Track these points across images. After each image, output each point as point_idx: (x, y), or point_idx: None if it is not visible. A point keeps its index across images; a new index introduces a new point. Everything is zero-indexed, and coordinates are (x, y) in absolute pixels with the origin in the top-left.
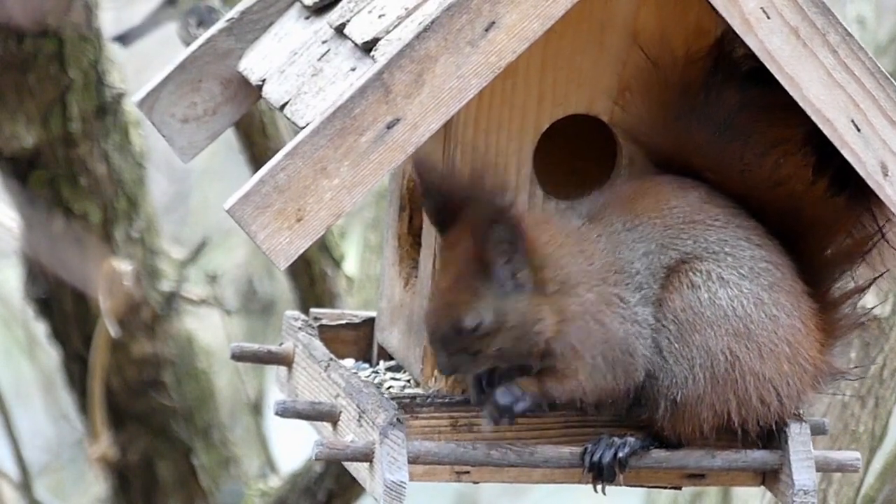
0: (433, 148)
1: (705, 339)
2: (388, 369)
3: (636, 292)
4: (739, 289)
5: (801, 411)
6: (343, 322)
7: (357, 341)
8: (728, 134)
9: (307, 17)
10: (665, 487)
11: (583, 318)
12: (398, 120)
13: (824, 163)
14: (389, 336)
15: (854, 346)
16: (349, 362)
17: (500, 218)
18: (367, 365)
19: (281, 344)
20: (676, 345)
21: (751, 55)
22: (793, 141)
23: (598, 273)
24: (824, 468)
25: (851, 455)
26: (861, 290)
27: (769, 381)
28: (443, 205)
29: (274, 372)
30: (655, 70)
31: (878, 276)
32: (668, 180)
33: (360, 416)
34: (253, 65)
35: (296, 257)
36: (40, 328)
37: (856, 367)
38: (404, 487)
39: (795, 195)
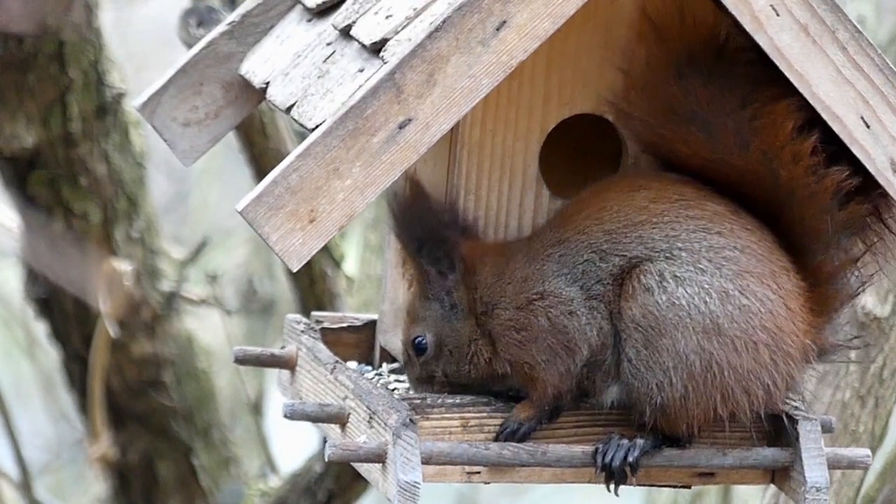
0: (439, 152)
1: (673, 343)
2: (392, 371)
3: (559, 279)
4: (699, 285)
5: (801, 393)
6: (344, 325)
7: (359, 344)
8: (718, 82)
9: (309, 20)
10: (675, 486)
11: (504, 336)
12: (410, 120)
13: (808, 130)
14: (393, 338)
15: (854, 344)
16: (352, 365)
17: (436, 238)
18: (369, 367)
19: (283, 347)
20: (645, 351)
21: (754, 50)
22: (776, 90)
23: (513, 290)
24: (835, 465)
25: (861, 452)
26: (854, 261)
27: (750, 371)
28: (414, 229)
29: (274, 372)
30: (663, 39)
31: (870, 247)
32: (619, 182)
33: (370, 418)
34: (255, 68)
35: (309, 258)
36: (40, 328)
37: (853, 338)
38: (418, 487)
39: (770, 155)
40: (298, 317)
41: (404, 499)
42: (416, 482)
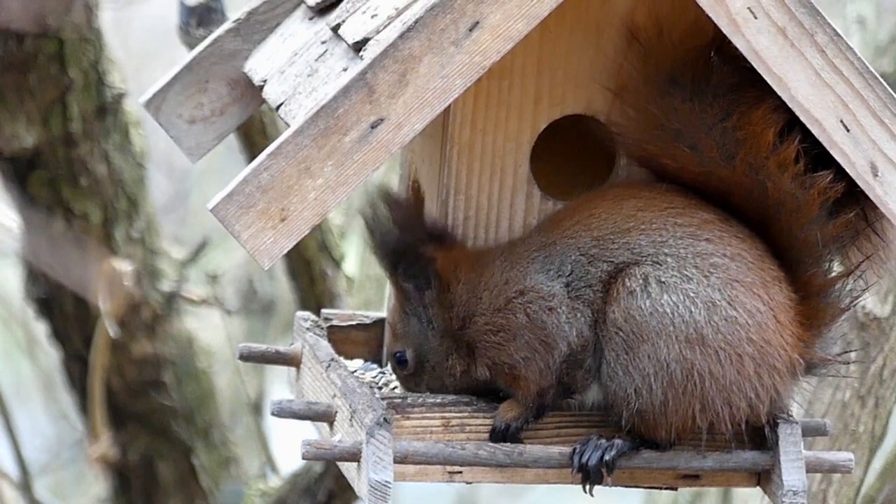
0: (432, 152)
1: (655, 350)
2: None
3: (541, 274)
4: (685, 293)
5: (787, 407)
6: (353, 323)
7: (367, 342)
8: (698, 96)
9: (311, 18)
10: (660, 488)
11: (482, 341)
12: (382, 120)
13: (790, 131)
14: None
15: (853, 344)
16: (358, 363)
17: (412, 254)
18: (375, 366)
19: (291, 344)
20: (625, 355)
21: (733, 60)
22: (755, 94)
23: (489, 295)
24: (816, 469)
25: (844, 456)
26: (846, 276)
27: (732, 383)
28: (389, 245)
29: (274, 372)
30: (646, 57)
31: (863, 261)
32: (609, 192)
33: (351, 416)
34: (257, 65)
35: (280, 257)
36: (40, 328)
37: (843, 352)
38: (389, 487)
39: (756, 166)
40: (307, 314)
41: (375, 498)
42: (387, 481)
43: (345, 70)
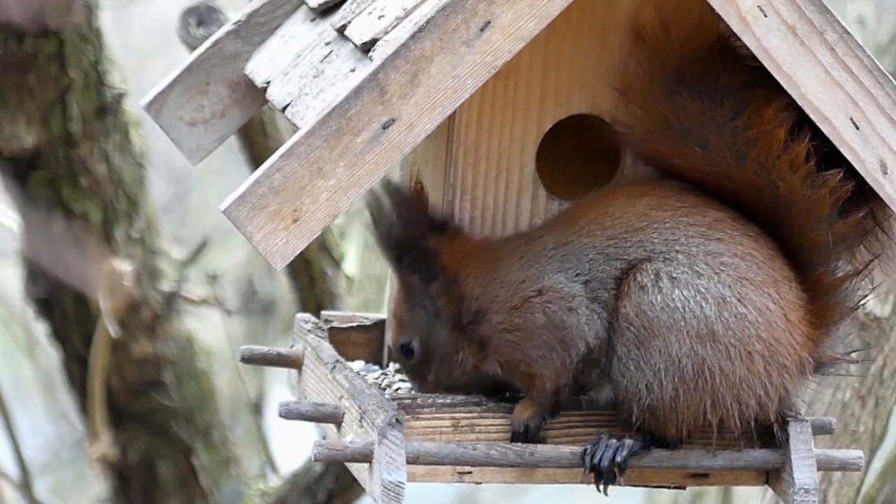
0: (437, 153)
1: (667, 345)
2: (398, 371)
3: (560, 274)
4: (696, 289)
5: (795, 406)
6: (354, 324)
7: (368, 343)
8: (708, 96)
9: (313, 20)
10: (669, 487)
11: (496, 339)
12: (394, 120)
13: (800, 129)
14: None
15: (854, 344)
16: (359, 364)
17: (416, 247)
18: (377, 367)
19: (292, 346)
20: (636, 351)
21: (751, 54)
22: (765, 92)
23: (506, 293)
24: (826, 467)
25: (854, 454)
26: (855, 275)
27: (743, 380)
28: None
29: (274, 372)
30: (653, 56)
31: (872, 260)
32: (621, 189)
33: (361, 417)
34: (259, 67)
35: (292, 258)
36: (40, 328)
37: (851, 351)
38: (402, 488)
39: (767, 166)
40: (307, 316)
41: (388, 499)
42: (400, 482)
43: (352, 71)
